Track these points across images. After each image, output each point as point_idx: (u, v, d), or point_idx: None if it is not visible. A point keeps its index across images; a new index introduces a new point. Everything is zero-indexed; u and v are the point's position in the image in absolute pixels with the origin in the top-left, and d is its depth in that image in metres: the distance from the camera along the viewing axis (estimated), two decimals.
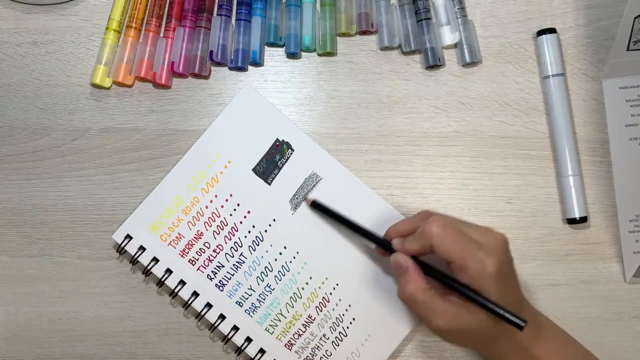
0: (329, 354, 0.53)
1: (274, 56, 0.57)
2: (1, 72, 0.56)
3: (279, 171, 0.54)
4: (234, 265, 0.53)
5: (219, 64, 0.56)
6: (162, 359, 0.54)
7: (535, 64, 0.56)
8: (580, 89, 0.56)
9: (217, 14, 0.56)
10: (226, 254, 0.53)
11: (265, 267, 0.53)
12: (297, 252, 0.53)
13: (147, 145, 0.55)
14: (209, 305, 0.52)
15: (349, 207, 0.52)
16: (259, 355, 0.52)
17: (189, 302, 0.52)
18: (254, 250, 0.53)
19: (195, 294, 0.52)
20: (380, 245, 0.49)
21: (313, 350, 0.53)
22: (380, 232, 0.50)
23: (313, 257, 0.53)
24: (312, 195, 0.53)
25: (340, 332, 0.53)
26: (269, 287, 0.53)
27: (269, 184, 0.53)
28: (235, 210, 0.53)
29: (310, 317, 0.53)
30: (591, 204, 0.55)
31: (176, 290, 0.52)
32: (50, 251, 0.55)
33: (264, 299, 0.53)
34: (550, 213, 0.55)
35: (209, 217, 0.53)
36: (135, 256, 0.53)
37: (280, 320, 0.53)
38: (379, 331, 0.52)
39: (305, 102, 0.56)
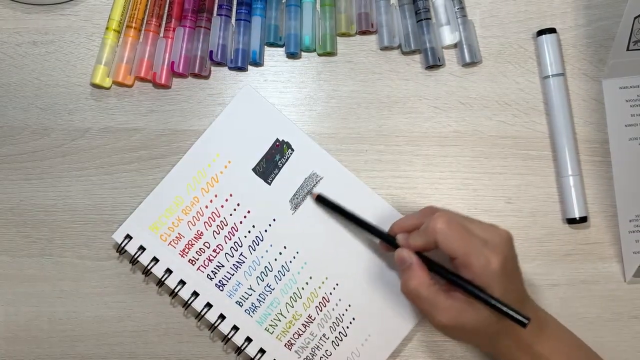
0: (329, 353, 0.53)
1: (274, 56, 0.57)
2: (1, 72, 0.56)
3: (279, 171, 0.54)
4: (234, 265, 0.53)
5: (219, 64, 0.56)
6: (162, 359, 0.54)
7: (535, 64, 0.56)
8: (580, 89, 0.56)
9: (217, 14, 0.56)
10: (226, 253, 0.53)
11: (265, 267, 0.53)
12: (297, 252, 0.53)
13: (147, 145, 0.55)
14: (209, 305, 0.52)
15: (349, 207, 0.53)
16: (259, 355, 0.52)
17: (189, 302, 0.52)
18: (254, 250, 0.53)
19: (195, 294, 0.52)
20: (384, 241, 0.49)
21: (313, 350, 0.53)
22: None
23: (313, 257, 0.53)
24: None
25: (340, 332, 0.53)
26: (269, 287, 0.53)
27: (269, 183, 0.53)
28: (235, 210, 0.53)
29: (310, 317, 0.53)
30: (591, 204, 0.55)
31: (176, 290, 0.52)
32: (50, 251, 0.55)
33: (264, 299, 0.53)
34: (550, 213, 0.55)
35: (209, 217, 0.53)
36: (135, 256, 0.53)
37: (280, 320, 0.53)
38: (379, 331, 0.52)
39: (305, 102, 0.56)
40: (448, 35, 0.55)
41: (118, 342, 0.54)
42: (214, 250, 0.53)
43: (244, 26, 0.56)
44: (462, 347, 0.54)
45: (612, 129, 0.55)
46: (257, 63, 0.56)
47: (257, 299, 0.53)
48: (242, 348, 0.52)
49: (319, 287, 0.53)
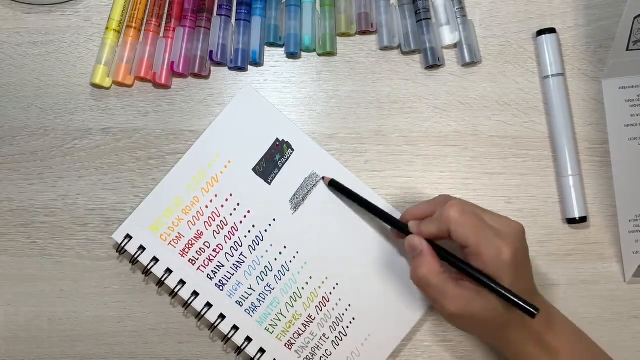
0: (329, 353, 0.53)
1: (274, 56, 0.57)
2: (1, 72, 0.56)
3: (279, 171, 0.54)
4: (234, 265, 0.53)
5: (218, 64, 0.56)
6: (162, 359, 0.54)
7: (535, 64, 0.56)
8: (580, 89, 0.56)
9: (217, 14, 0.56)
10: (226, 253, 0.53)
11: (265, 266, 0.53)
12: (297, 252, 0.53)
13: (147, 145, 0.55)
14: (208, 305, 0.52)
15: (349, 207, 0.53)
16: (259, 354, 0.52)
17: (189, 302, 0.52)
18: (254, 250, 0.53)
19: (195, 294, 0.52)
20: (396, 228, 0.49)
21: (313, 349, 0.53)
22: (380, 233, 0.50)
23: (313, 257, 0.53)
24: (313, 195, 0.53)
25: (340, 332, 0.53)
26: (269, 286, 0.53)
27: (269, 183, 0.53)
28: (235, 210, 0.53)
29: (310, 317, 0.53)
30: (591, 204, 0.55)
31: (176, 290, 0.52)
32: (50, 251, 0.55)
33: (264, 299, 0.53)
34: (550, 213, 0.55)
35: (209, 217, 0.53)
36: (135, 256, 0.53)
37: (280, 320, 0.53)
38: (379, 331, 0.52)
39: (305, 102, 0.56)
40: (448, 35, 0.55)
41: (118, 342, 0.54)
42: (214, 250, 0.53)
43: (244, 26, 0.56)
44: (463, 347, 0.54)
45: (612, 129, 0.55)
46: (257, 63, 0.56)
47: (257, 299, 0.53)
48: (242, 348, 0.52)
49: (319, 287, 0.53)
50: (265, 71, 0.57)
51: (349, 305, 0.53)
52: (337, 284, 0.53)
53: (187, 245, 0.53)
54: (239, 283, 0.53)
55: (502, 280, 0.43)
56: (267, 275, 0.53)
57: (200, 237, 0.53)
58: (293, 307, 0.53)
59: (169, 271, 0.53)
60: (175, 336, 0.54)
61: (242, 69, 0.56)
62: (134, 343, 0.54)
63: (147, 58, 0.55)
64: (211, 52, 0.55)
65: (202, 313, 0.52)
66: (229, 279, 0.53)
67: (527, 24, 0.57)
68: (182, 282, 0.52)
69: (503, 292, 0.42)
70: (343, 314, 0.53)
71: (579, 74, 0.56)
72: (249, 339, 0.52)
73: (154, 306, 0.54)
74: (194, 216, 0.53)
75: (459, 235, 0.43)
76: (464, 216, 0.43)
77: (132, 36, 0.55)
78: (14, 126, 0.56)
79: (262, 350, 0.52)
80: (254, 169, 0.54)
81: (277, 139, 0.54)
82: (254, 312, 0.53)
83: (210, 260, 0.53)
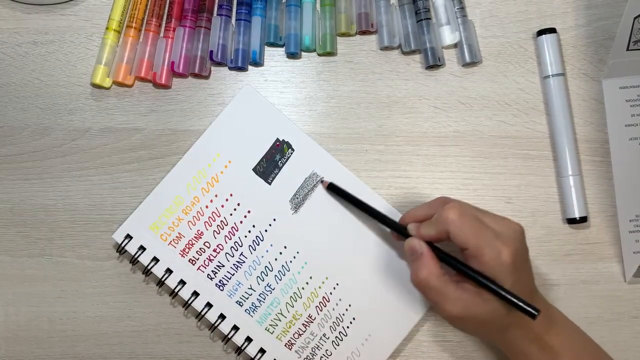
0: (329, 353, 0.53)
1: (274, 56, 0.57)
2: (1, 72, 0.56)
3: (279, 171, 0.54)
4: (234, 265, 0.53)
5: (219, 64, 0.56)
6: (162, 359, 0.54)
7: (535, 64, 0.56)
8: (580, 89, 0.56)
9: (217, 14, 0.56)
10: (226, 253, 0.53)
11: (266, 266, 0.53)
12: (297, 252, 0.53)
13: (147, 145, 0.55)
14: (209, 305, 0.52)
15: (349, 207, 0.53)
16: (259, 355, 0.52)
17: (189, 302, 0.52)
18: (254, 250, 0.53)
19: (196, 294, 0.52)
20: (395, 230, 0.49)
21: (313, 350, 0.53)
22: (380, 233, 0.50)
23: (313, 257, 0.53)
24: (313, 195, 0.53)
25: (340, 332, 0.53)
26: (269, 286, 0.53)
27: (269, 183, 0.53)
28: (235, 210, 0.53)
29: (310, 317, 0.53)
30: (591, 204, 0.55)
31: (176, 290, 0.52)
32: (50, 251, 0.55)
33: (264, 299, 0.53)
34: (550, 213, 0.55)
35: (209, 217, 0.53)
36: (136, 256, 0.53)
37: (280, 320, 0.53)
38: (379, 331, 0.52)
39: (305, 102, 0.56)
40: (448, 35, 0.55)
41: (118, 342, 0.54)
42: (214, 250, 0.53)
43: (244, 26, 0.56)
44: (463, 347, 0.54)
45: (612, 129, 0.55)
46: (257, 63, 0.56)
47: (257, 299, 0.53)
48: (242, 348, 0.52)
49: (319, 287, 0.53)
50: (266, 71, 0.57)
51: (349, 305, 0.53)
52: (337, 284, 0.53)
53: (187, 245, 0.53)
54: (239, 283, 0.53)
55: (503, 282, 0.43)
56: (267, 275, 0.53)
57: (201, 237, 0.53)
58: (293, 307, 0.53)
59: (169, 271, 0.53)
60: (175, 336, 0.54)
61: (242, 69, 0.56)
62: (134, 343, 0.54)
63: (147, 58, 0.55)
64: (211, 52, 0.55)
65: (202, 313, 0.52)
66: (229, 279, 0.53)
67: (527, 24, 0.57)
68: (182, 282, 0.52)
69: (504, 293, 0.42)
70: (343, 314, 0.53)
71: (579, 74, 0.56)
72: (249, 339, 0.52)
73: (154, 306, 0.54)
74: (194, 216, 0.53)
75: (458, 237, 0.43)
76: (462, 218, 0.43)
77: (132, 36, 0.55)
78: (14, 126, 0.56)
79: (262, 351, 0.52)
80: (254, 169, 0.54)
81: (278, 139, 0.54)
82: (254, 312, 0.53)
83: (210, 260, 0.53)
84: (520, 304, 0.42)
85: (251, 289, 0.53)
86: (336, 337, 0.53)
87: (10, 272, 0.55)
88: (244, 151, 0.54)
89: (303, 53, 0.57)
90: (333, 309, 0.53)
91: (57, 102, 0.56)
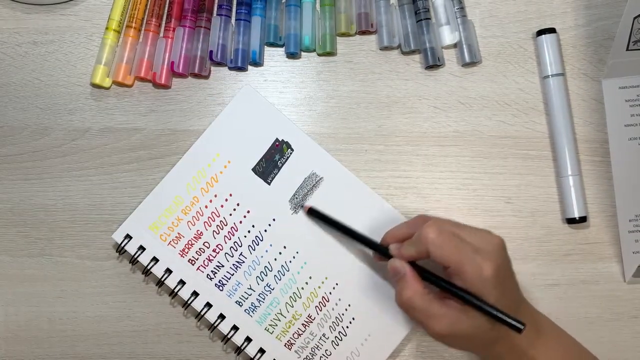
0: (329, 353, 0.53)
1: (274, 56, 0.57)
2: (1, 72, 0.56)
3: (278, 171, 0.54)
4: (233, 265, 0.53)
5: (218, 64, 0.56)
6: (162, 359, 0.54)
7: (535, 64, 0.56)
8: (580, 89, 0.56)
9: (217, 14, 0.56)
10: (226, 253, 0.53)
11: (265, 266, 0.53)
12: (297, 252, 0.53)
13: (147, 145, 0.55)
14: (208, 305, 0.52)
15: (348, 207, 0.53)
16: (259, 355, 0.52)
17: (189, 302, 0.52)
18: (254, 250, 0.53)
19: (195, 294, 0.52)
20: (377, 251, 0.49)
21: (313, 349, 0.53)
22: (380, 233, 0.50)
23: (313, 257, 0.53)
24: (313, 195, 0.53)
25: (339, 332, 0.53)
26: (269, 286, 0.53)
27: (269, 183, 0.53)
28: (234, 210, 0.53)
29: (309, 317, 0.53)
30: (591, 204, 0.55)
31: (176, 290, 0.52)
32: (50, 251, 0.55)
33: (264, 299, 0.53)
34: (549, 213, 0.55)
35: (209, 217, 0.53)
36: (135, 256, 0.53)
37: (279, 320, 0.53)
38: (378, 331, 0.52)
39: (305, 102, 0.56)
40: (448, 35, 0.55)
41: (118, 342, 0.54)
42: (214, 250, 0.53)
43: (243, 26, 0.56)
44: (462, 351, 0.54)
45: (611, 129, 0.55)
46: (257, 63, 0.56)
47: (257, 299, 0.53)
48: (242, 348, 0.52)
49: (319, 287, 0.53)
50: (265, 71, 0.57)
51: (349, 305, 0.53)
52: (336, 284, 0.53)
53: (186, 245, 0.53)
54: (239, 283, 0.53)
55: (487, 297, 0.42)
56: (266, 275, 0.53)
57: (200, 237, 0.53)
58: (293, 307, 0.53)
59: (168, 271, 0.53)
60: (175, 336, 0.54)
61: (242, 69, 0.56)
62: (133, 343, 0.54)
63: (147, 58, 0.55)
64: (211, 52, 0.55)
65: (202, 313, 0.52)
66: (229, 279, 0.53)
67: (527, 24, 0.57)
68: (181, 282, 0.53)
69: (488, 309, 0.42)
70: (343, 314, 0.53)
71: (579, 74, 0.56)
72: (248, 339, 0.52)
73: (154, 306, 0.54)
74: (193, 216, 0.53)
75: (439, 256, 0.43)
76: (441, 237, 0.43)
77: (132, 36, 0.55)
78: (14, 126, 0.56)
79: (262, 351, 0.52)
80: (254, 169, 0.54)
81: (277, 139, 0.54)
82: (254, 312, 0.53)
83: (210, 260, 0.53)
84: (505, 318, 0.42)
85: (251, 289, 0.53)
86: (336, 337, 0.53)
87: (10, 272, 0.55)
88: (243, 151, 0.54)
89: (303, 53, 0.57)
90: (332, 309, 0.53)
91: (57, 102, 0.56)
